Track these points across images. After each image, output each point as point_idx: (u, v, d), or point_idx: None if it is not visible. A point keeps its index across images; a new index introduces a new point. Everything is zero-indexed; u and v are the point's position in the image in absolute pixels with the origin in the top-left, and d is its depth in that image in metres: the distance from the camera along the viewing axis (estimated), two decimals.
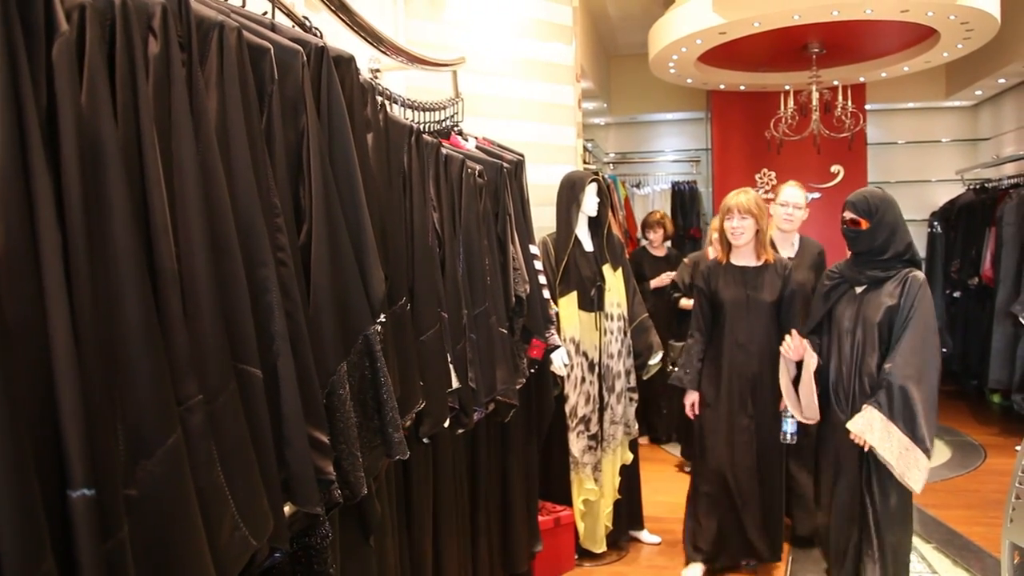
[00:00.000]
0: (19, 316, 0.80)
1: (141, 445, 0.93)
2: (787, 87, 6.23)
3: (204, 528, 1.00)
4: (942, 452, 5.24)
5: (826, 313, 2.83)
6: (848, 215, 2.73)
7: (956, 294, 6.57)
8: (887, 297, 2.63)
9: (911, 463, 2.50)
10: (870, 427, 2.55)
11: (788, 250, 3.70)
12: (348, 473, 1.42)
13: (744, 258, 3.24)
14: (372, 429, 1.57)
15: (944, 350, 6.59)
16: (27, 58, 0.84)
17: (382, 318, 1.58)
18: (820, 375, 2.82)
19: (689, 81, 6.58)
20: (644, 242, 5.70)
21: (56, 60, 0.88)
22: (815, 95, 5.92)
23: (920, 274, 2.64)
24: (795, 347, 2.86)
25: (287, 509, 1.28)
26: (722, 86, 6.82)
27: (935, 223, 6.97)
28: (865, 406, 2.60)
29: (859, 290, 2.74)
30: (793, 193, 3.71)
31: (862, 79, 6.66)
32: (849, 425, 2.63)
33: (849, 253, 2.84)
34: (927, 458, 2.52)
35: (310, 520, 1.35)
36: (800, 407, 2.88)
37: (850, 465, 2.72)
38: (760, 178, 7.30)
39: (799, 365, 2.90)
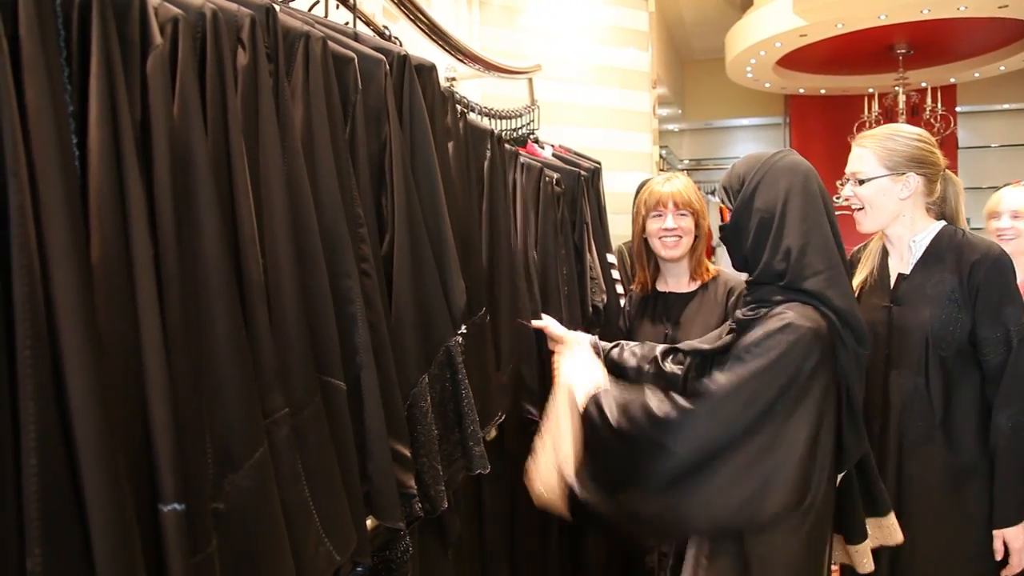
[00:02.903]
0: (113, 327, 0.80)
1: (229, 459, 0.92)
2: (871, 90, 6.01)
3: (289, 543, 0.99)
4: None
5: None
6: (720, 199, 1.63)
7: None
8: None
9: None
10: None
11: None
12: (429, 487, 1.40)
13: (674, 281, 2.17)
14: (452, 442, 1.54)
15: None
16: (123, 72, 0.85)
17: (463, 329, 1.56)
18: None
19: (767, 85, 6.41)
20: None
21: (151, 74, 0.88)
22: (901, 98, 5.69)
23: (793, 317, 1.38)
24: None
25: (369, 523, 1.26)
26: (801, 90, 6.62)
27: None
28: None
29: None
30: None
31: (952, 80, 6.37)
32: None
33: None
34: None
35: (391, 534, 1.33)
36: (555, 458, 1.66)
37: None
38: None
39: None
